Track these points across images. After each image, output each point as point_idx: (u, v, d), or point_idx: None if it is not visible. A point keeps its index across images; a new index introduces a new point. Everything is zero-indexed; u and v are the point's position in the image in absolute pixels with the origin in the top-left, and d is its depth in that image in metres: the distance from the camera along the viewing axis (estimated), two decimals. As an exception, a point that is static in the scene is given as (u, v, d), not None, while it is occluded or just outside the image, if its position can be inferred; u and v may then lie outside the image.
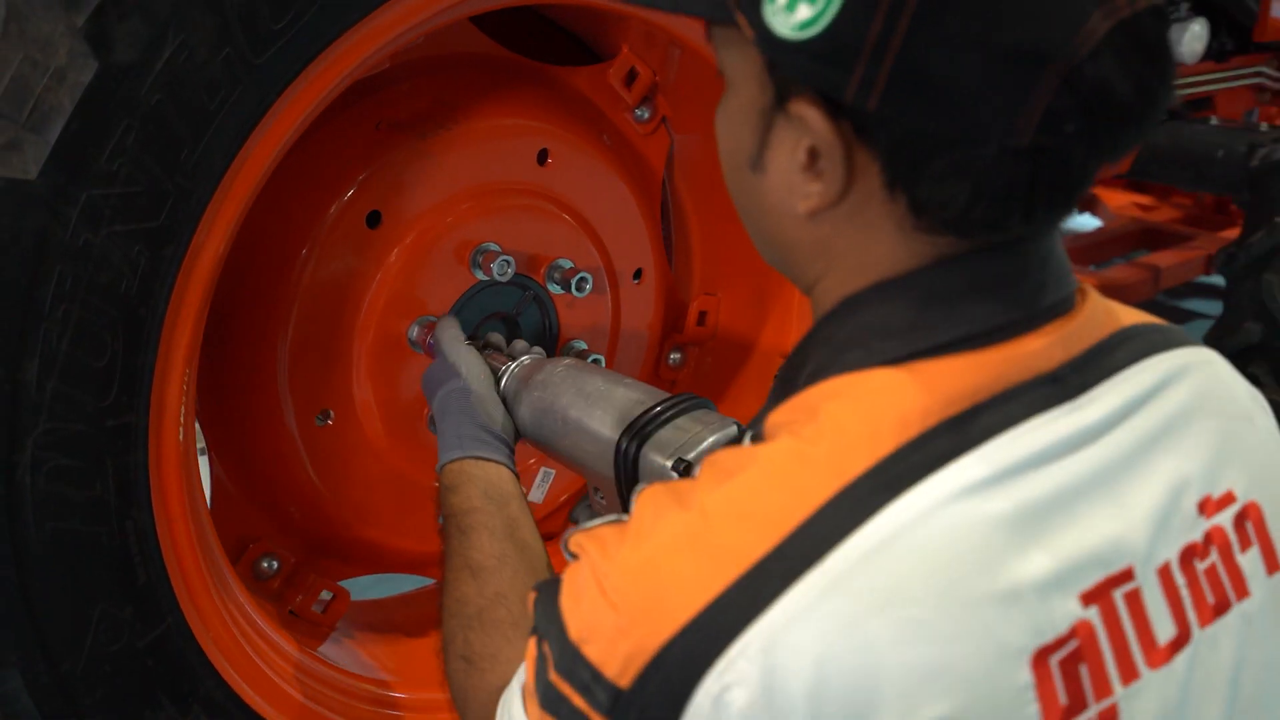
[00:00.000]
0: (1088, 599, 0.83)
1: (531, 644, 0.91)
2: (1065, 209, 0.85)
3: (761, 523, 0.80)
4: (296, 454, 1.57)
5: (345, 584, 1.68)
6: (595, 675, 0.82)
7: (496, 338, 1.56)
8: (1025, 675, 0.80)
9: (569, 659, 0.84)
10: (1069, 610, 0.82)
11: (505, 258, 1.58)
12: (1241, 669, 0.92)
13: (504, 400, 1.42)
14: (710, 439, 1.25)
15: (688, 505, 0.84)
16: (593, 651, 0.82)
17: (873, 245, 0.88)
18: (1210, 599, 0.90)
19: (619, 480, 1.28)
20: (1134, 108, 0.79)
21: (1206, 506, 0.91)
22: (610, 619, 0.82)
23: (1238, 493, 0.93)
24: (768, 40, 0.82)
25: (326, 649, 1.59)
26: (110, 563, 1.21)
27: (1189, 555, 0.89)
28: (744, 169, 0.92)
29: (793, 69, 0.82)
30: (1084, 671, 0.82)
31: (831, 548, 0.78)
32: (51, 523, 1.15)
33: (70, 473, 1.15)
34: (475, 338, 1.53)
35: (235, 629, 1.37)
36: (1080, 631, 0.82)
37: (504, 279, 1.59)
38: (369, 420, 1.58)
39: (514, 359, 1.46)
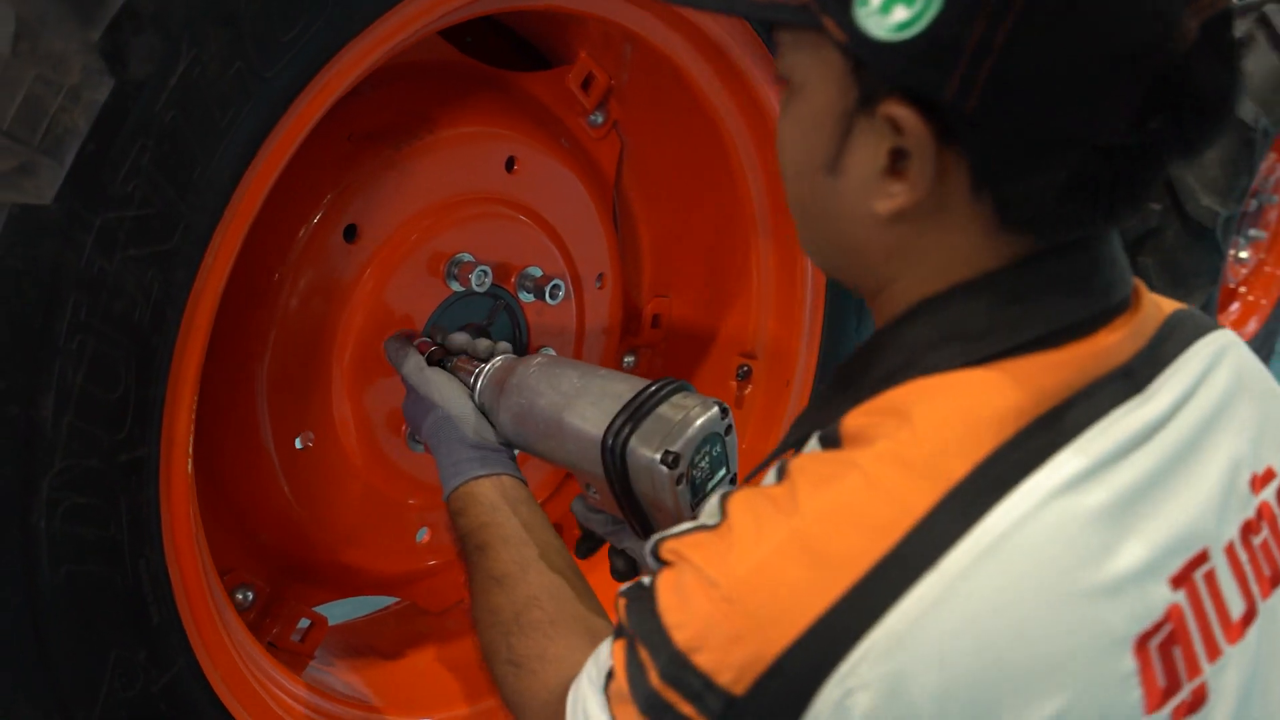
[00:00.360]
0: (1175, 583, 0.86)
1: (618, 648, 0.90)
2: (1141, 206, 0.88)
3: (873, 528, 0.81)
4: (274, 478, 1.52)
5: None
6: (707, 684, 0.81)
7: (459, 339, 1.50)
8: (1129, 662, 0.82)
9: (676, 667, 0.83)
10: (1162, 595, 0.85)
11: (483, 268, 1.55)
12: None
13: (481, 409, 1.40)
14: (696, 424, 1.25)
15: (791, 511, 0.84)
16: (704, 660, 0.81)
17: (953, 246, 0.89)
18: (1267, 572, 0.94)
19: (609, 477, 1.28)
20: (1216, 106, 0.82)
21: (1255, 483, 0.96)
22: (723, 627, 0.81)
23: (1276, 468, 0.98)
24: (860, 42, 0.82)
25: (315, 678, 1.54)
26: (124, 605, 1.15)
27: (1247, 532, 0.93)
28: (815, 173, 0.92)
29: (887, 71, 0.83)
30: (1177, 653, 0.85)
31: (946, 550, 0.80)
32: (67, 566, 1.09)
33: (85, 512, 1.09)
34: (435, 343, 1.49)
35: (243, 667, 1.31)
36: (1172, 615, 0.85)
37: (482, 289, 1.57)
38: (350, 440, 1.53)
39: (483, 362, 1.44)
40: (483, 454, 1.34)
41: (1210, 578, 0.89)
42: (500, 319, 1.67)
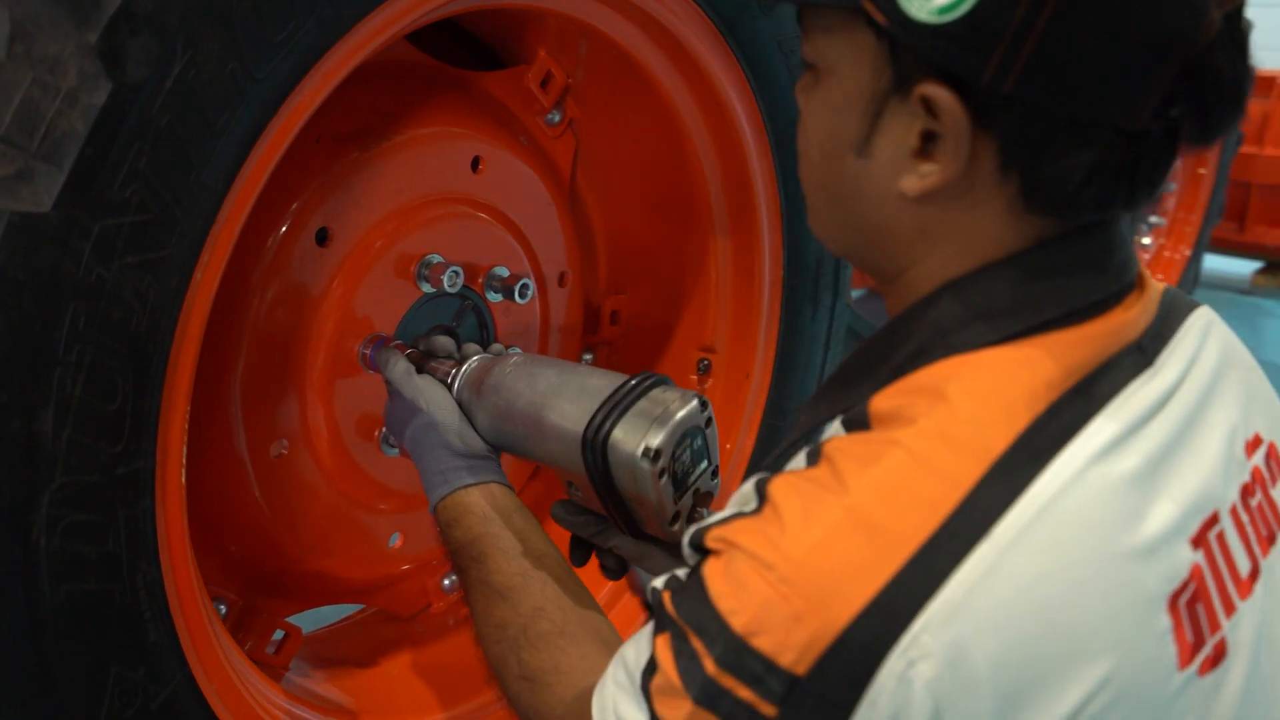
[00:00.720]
0: (1195, 543, 0.90)
1: (663, 643, 0.89)
2: (1157, 191, 0.91)
3: (923, 503, 0.83)
4: (248, 488, 1.49)
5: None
6: (768, 666, 0.82)
7: (441, 342, 1.50)
8: (1165, 620, 0.86)
9: (734, 653, 0.83)
10: (1185, 555, 0.89)
11: (454, 268, 1.54)
12: None
13: (459, 407, 1.39)
14: (676, 417, 1.25)
15: (841, 491, 0.85)
16: (765, 643, 0.82)
17: (978, 227, 0.91)
18: (1264, 531, 0.99)
19: (591, 474, 1.28)
20: (1235, 95, 0.86)
21: (1248, 448, 1.00)
22: (783, 609, 0.82)
23: (1263, 434, 1.03)
24: (902, 24, 0.84)
25: (300, 689, 1.52)
26: (123, 622, 1.12)
27: (1245, 494, 0.98)
28: (842, 155, 0.94)
29: (927, 53, 0.85)
30: (1200, 610, 0.89)
31: (995, 521, 0.82)
32: (67, 585, 1.06)
33: (85, 528, 1.06)
34: (415, 348, 1.48)
35: (236, 681, 1.29)
36: (1195, 574, 0.89)
37: (454, 290, 1.56)
38: (325, 447, 1.51)
39: (460, 363, 1.43)
40: (470, 462, 1.33)
41: (1221, 538, 0.93)
42: (467, 319, 1.66)
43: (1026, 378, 0.87)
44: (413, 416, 1.37)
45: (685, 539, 0.93)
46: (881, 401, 0.90)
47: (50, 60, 0.96)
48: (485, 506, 1.28)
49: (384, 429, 1.56)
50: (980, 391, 0.87)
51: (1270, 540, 0.99)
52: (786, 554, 0.83)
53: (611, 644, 1.15)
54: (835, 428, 0.94)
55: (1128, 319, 0.93)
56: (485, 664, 1.20)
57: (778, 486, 0.88)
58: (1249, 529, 0.96)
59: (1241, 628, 0.93)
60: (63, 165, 0.97)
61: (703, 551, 0.90)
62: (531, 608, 1.18)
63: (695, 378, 1.95)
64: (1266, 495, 1.01)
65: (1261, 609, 0.96)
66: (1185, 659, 0.87)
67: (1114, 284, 0.93)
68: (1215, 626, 0.90)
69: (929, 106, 0.86)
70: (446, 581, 1.83)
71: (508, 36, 1.76)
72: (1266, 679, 0.95)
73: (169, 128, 1.03)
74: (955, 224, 0.92)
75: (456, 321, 1.64)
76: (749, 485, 0.92)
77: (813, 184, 0.99)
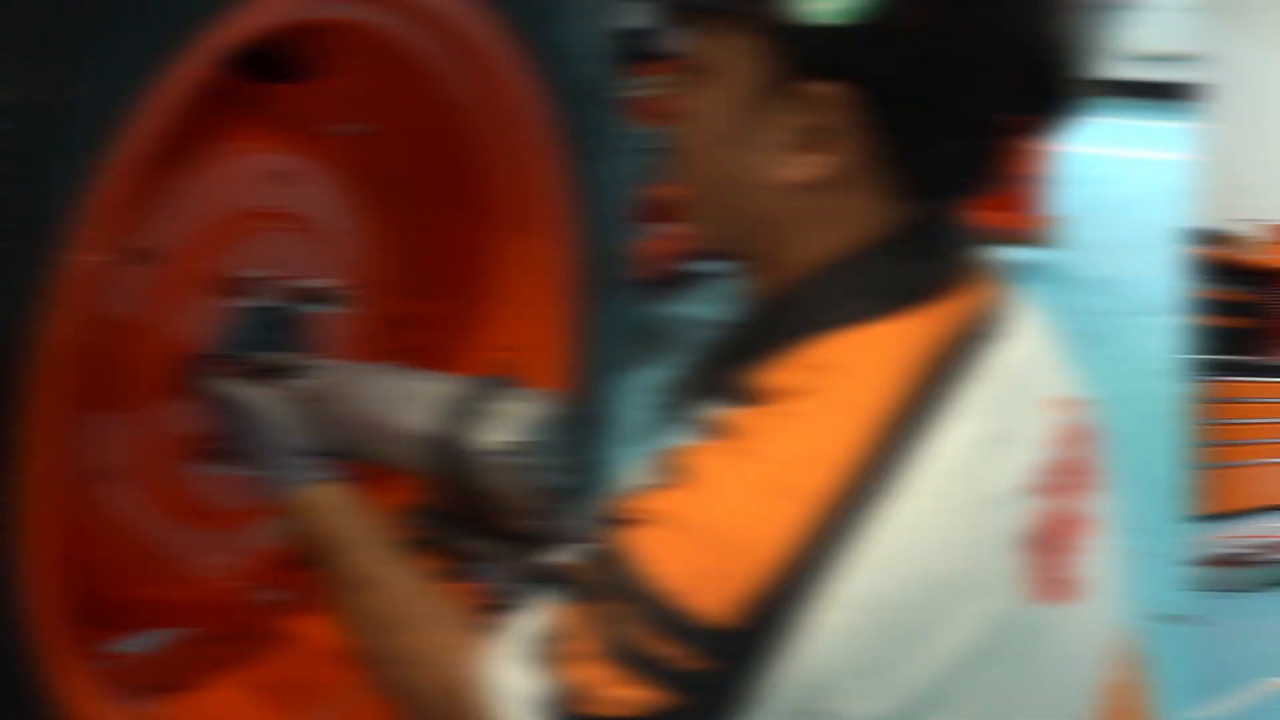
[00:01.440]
0: (1040, 491, 1.02)
1: (577, 612, 0.94)
2: (1002, 177, 1.03)
3: (829, 462, 0.92)
4: (69, 516, 1.44)
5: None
6: (694, 623, 0.89)
7: (262, 356, 1.51)
8: (1024, 560, 0.98)
9: (660, 613, 0.89)
10: (1033, 503, 1.01)
11: (271, 281, 1.55)
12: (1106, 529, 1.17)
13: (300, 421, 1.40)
14: (528, 411, 1.30)
15: (753, 457, 0.93)
16: (691, 602, 0.89)
17: (854, 213, 0.99)
18: (1083, 481, 1.13)
19: (445, 472, 1.31)
20: (1067, 88, 0.98)
21: (1065, 406, 1.14)
22: (712, 567, 0.89)
23: (1073, 393, 1.19)
24: (792, 25, 0.91)
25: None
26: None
27: (1068, 448, 1.11)
28: (727, 149, 1.00)
29: (817, 51, 0.92)
30: (1049, 551, 1.02)
31: (887, 480, 0.92)
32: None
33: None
34: (236, 363, 1.48)
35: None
36: (1044, 519, 1.01)
37: (270, 303, 1.56)
38: (148, 470, 1.48)
39: (287, 375, 1.44)
40: (310, 459, 1.34)
41: (1058, 487, 1.06)
42: (283, 332, 1.65)
43: (907, 349, 0.97)
44: (247, 422, 1.37)
45: (595, 513, 0.98)
46: (771, 376, 0.98)
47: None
48: (331, 500, 1.29)
49: (209, 446, 1.55)
50: (869, 363, 0.96)
51: (1089, 488, 1.13)
52: (706, 518, 0.91)
53: (470, 624, 1.19)
54: (720, 404, 1.00)
55: (982, 294, 1.05)
56: (352, 656, 1.20)
57: (690, 457, 0.95)
58: (1075, 479, 1.10)
59: (1080, 566, 1.06)
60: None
61: (615, 523, 0.96)
62: (398, 593, 1.18)
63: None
64: (1081, 450, 1.16)
65: (1092, 549, 1.10)
66: (1042, 594, 1.00)
67: (970, 261, 1.05)
68: (1062, 565, 1.03)
69: (815, 102, 0.93)
70: (265, 597, 1.81)
71: (303, 48, 1.75)
72: (1098, 611, 1.10)
73: (21, 153, 1.01)
74: (833, 211, 0.99)
75: (273, 334, 1.63)
76: (657, 458, 0.97)
77: (694, 177, 1.05)
